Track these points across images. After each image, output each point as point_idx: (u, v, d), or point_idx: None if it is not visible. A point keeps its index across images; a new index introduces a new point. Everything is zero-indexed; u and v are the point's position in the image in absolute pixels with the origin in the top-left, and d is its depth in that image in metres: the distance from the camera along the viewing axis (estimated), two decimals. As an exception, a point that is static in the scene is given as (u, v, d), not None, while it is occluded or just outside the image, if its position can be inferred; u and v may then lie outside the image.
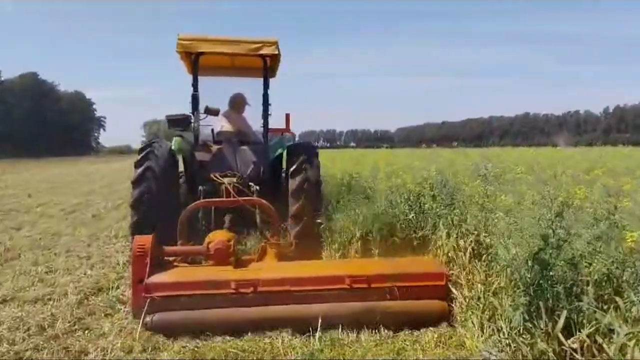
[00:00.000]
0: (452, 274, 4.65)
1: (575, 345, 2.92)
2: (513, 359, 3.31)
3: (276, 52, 6.66)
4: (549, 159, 11.61)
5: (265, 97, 7.20)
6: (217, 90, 7.60)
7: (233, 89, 7.92)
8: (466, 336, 4.02)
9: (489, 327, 3.64)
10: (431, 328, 4.41)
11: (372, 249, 6.03)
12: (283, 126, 7.94)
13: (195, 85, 7.03)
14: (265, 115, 7.22)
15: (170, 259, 5.12)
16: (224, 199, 6.07)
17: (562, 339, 2.97)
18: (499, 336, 3.48)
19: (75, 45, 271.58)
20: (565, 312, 2.96)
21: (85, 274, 6.38)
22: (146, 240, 4.68)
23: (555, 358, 3.03)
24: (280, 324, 4.38)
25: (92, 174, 30.93)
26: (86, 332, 4.46)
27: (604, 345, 2.78)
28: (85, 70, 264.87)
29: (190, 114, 6.95)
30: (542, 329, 3.07)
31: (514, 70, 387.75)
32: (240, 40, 6.69)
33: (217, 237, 5.28)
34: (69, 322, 4.62)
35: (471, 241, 4.47)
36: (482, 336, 3.70)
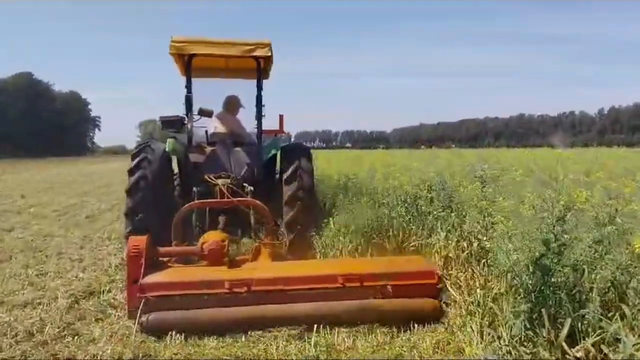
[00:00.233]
0: (450, 275, 4.58)
1: (579, 355, 2.84)
2: (514, 368, 3.22)
3: (269, 54, 6.69)
4: (545, 160, 11.54)
5: (259, 98, 7.24)
6: (210, 92, 7.61)
7: (226, 90, 7.97)
8: (465, 342, 3.92)
9: (489, 333, 3.54)
10: (429, 333, 4.32)
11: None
12: (277, 127, 8.00)
13: (188, 86, 7.06)
14: (259, 116, 7.25)
15: (165, 259, 5.11)
16: (219, 199, 6.07)
17: (566, 347, 2.88)
18: (499, 343, 3.38)
19: (69, 45, 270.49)
20: (569, 320, 2.87)
21: (76, 277, 6.25)
22: (141, 240, 4.69)
23: (558, 367, 2.94)
24: (274, 323, 4.38)
25: (87, 174, 30.77)
26: (76, 337, 4.32)
27: (610, 356, 2.69)
28: (79, 70, 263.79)
29: (184, 116, 6.97)
30: (544, 337, 2.98)
31: (509, 71, 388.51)
32: (233, 42, 6.70)
33: (211, 238, 5.28)
34: (59, 327, 4.49)
35: (468, 244, 4.38)
36: (481, 343, 3.60)
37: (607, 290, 3.08)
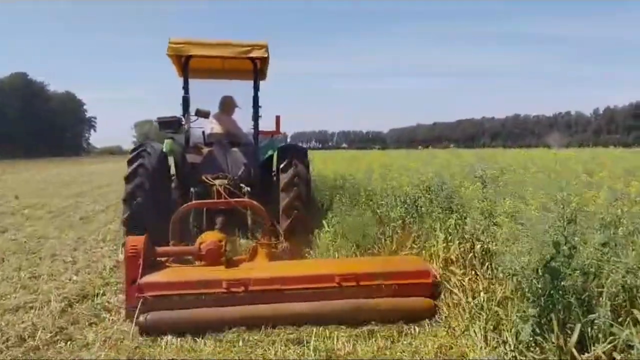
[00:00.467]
0: (451, 277, 4.50)
1: (590, 361, 2.74)
2: (521, 374, 3.12)
3: (266, 55, 6.78)
4: (543, 160, 11.46)
5: (256, 99, 7.35)
6: (207, 93, 7.64)
7: (223, 91, 8.01)
8: (467, 346, 3.83)
9: (494, 338, 3.44)
10: (431, 337, 4.22)
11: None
12: (273, 128, 8.01)
13: (186, 87, 7.13)
14: (256, 117, 7.32)
15: (163, 259, 5.14)
16: (216, 200, 6.10)
17: (575, 354, 2.79)
18: (505, 348, 3.29)
19: (63, 45, 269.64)
20: (579, 325, 2.77)
21: (70, 279, 6.13)
22: (139, 240, 4.70)
23: (568, 374, 2.85)
24: (271, 322, 4.39)
25: (82, 175, 30.56)
26: (69, 343, 4.22)
27: (623, 363, 2.60)
28: (74, 71, 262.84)
29: (181, 117, 7.05)
30: (553, 343, 2.88)
31: (505, 71, 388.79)
32: (230, 44, 6.77)
33: (209, 238, 5.33)
34: (51, 332, 4.37)
35: (471, 246, 4.29)
36: (485, 348, 3.51)
37: (617, 294, 2.98)
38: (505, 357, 3.26)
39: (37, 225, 10.45)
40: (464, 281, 4.22)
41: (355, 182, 8.93)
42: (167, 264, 5.12)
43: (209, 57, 7.03)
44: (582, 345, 2.85)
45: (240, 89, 7.81)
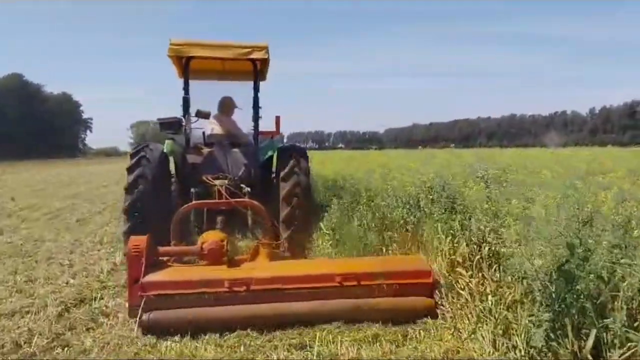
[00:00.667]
0: (457, 279, 4.41)
1: (606, 368, 2.65)
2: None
3: (266, 57, 6.79)
4: (544, 160, 11.39)
5: (256, 100, 7.31)
6: (208, 94, 7.68)
7: (224, 92, 8.01)
8: (475, 350, 3.74)
9: (503, 343, 3.34)
10: (436, 341, 4.12)
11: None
12: (273, 128, 8.01)
13: (186, 88, 7.12)
14: (256, 118, 7.34)
15: (164, 258, 5.16)
16: (217, 200, 6.13)
17: (591, 360, 2.69)
18: (515, 353, 3.20)
19: (58, 46, 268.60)
20: (594, 331, 2.68)
21: (67, 283, 6.03)
22: (141, 240, 4.72)
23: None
24: (272, 321, 4.42)
25: (78, 177, 30.39)
26: (66, 349, 4.11)
27: (641, 370, 2.51)
28: (70, 72, 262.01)
29: (182, 117, 7.03)
30: (567, 349, 2.78)
31: (501, 71, 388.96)
32: (230, 45, 6.79)
33: (211, 238, 5.35)
34: (47, 338, 4.27)
35: (477, 248, 4.20)
36: (494, 353, 3.41)
37: (632, 298, 2.89)
38: (516, 362, 3.17)
39: (33, 227, 10.35)
40: (470, 283, 4.12)
41: (354, 182, 8.84)
42: (168, 263, 5.14)
43: (210, 58, 7.06)
44: (597, 351, 2.77)
45: (239, 90, 7.83)
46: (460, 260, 4.45)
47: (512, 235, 3.35)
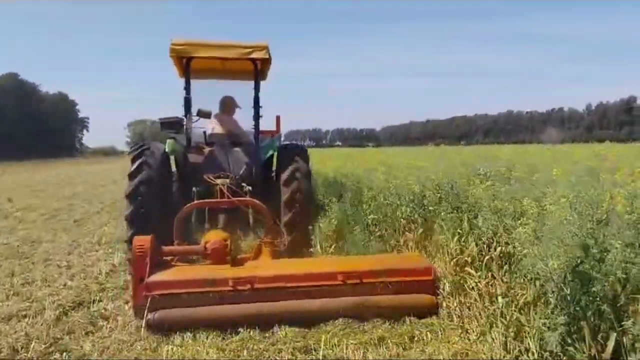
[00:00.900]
0: (466, 280, 4.33)
1: (628, 373, 2.55)
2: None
3: (267, 56, 6.81)
4: (545, 157, 11.25)
5: (256, 99, 7.33)
6: (209, 93, 7.71)
7: (224, 91, 8.04)
8: (484, 353, 3.65)
9: (516, 347, 3.25)
10: (444, 343, 4.03)
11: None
12: (273, 127, 8.16)
13: (187, 88, 7.16)
14: (257, 117, 7.34)
15: (168, 258, 5.23)
16: (219, 199, 6.15)
17: (611, 365, 2.59)
18: (527, 357, 3.10)
19: (53, 45, 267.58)
20: (614, 335, 2.58)
21: (64, 285, 5.92)
22: (145, 240, 4.78)
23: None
24: (277, 319, 4.44)
25: (76, 176, 30.23)
26: (64, 354, 4.00)
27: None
28: (65, 71, 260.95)
29: (183, 117, 7.06)
30: (584, 353, 2.69)
31: (498, 69, 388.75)
32: (231, 45, 6.84)
33: (214, 237, 5.39)
34: (45, 343, 4.15)
35: (487, 248, 4.10)
36: (506, 356, 3.32)
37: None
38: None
39: (31, 228, 10.22)
40: (480, 284, 4.03)
41: (355, 181, 8.72)
42: (172, 263, 5.21)
43: (211, 58, 7.09)
44: (616, 355, 2.67)
45: (240, 89, 7.83)
46: (469, 260, 4.36)
47: (524, 235, 3.24)
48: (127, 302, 5.21)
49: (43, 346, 4.10)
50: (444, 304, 4.58)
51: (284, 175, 6.56)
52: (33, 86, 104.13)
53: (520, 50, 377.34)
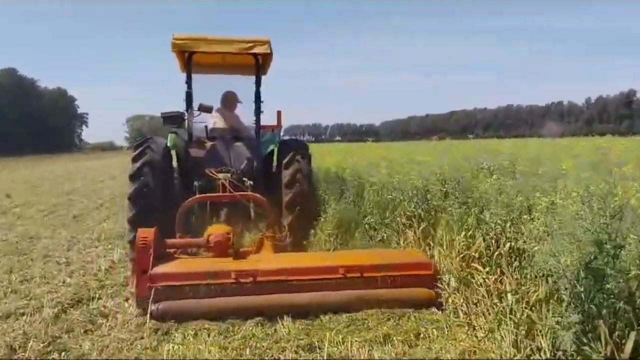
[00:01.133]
0: (473, 276, 4.25)
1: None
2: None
3: (268, 51, 6.85)
4: (547, 152, 11.15)
5: (257, 94, 7.40)
6: (210, 88, 7.74)
7: (226, 86, 8.07)
8: (493, 351, 3.56)
9: (527, 345, 3.15)
10: (451, 341, 3.95)
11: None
12: (274, 122, 8.09)
13: (189, 83, 7.25)
14: (258, 112, 7.42)
15: (171, 251, 5.31)
16: (221, 193, 6.23)
17: (629, 365, 2.50)
18: (540, 356, 3.01)
19: (52, 40, 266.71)
20: (634, 334, 2.48)
21: (63, 282, 5.85)
22: (149, 232, 4.86)
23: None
24: (278, 311, 4.49)
25: (75, 172, 30.14)
26: (63, 353, 3.90)
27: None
28: (64, 66, 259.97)
29: (184, 111, 7.15)
30: (600, 353, 2.60)
31: (498, 64, 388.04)
32: (233, 40, 6.89)
33: (217, 230, 5.49)
34: (43, 342, 4.05)
35: (496, 243, 4.01)
36: (516, 355, 3.23)
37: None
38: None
39: (29, 224, 10.17)
40: (488, 280, 3.93)
41: (357, 176, 8.62)
42: (175, 255, 5.27)
43: (213, 53, 7.11)
44: (635, 354, 2.57)
45: (241, 84, 7.89)
46: (477, 256, 4.26)
47: (535, 230, 3.15)
48: (127, 300, 5.14)
49: (41, 345, 4.00)
50: (450, 300, 4.50)
51: (285, 178, 6.59)
52: (32, 81, 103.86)
53: (519, 44, 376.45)
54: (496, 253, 4.03)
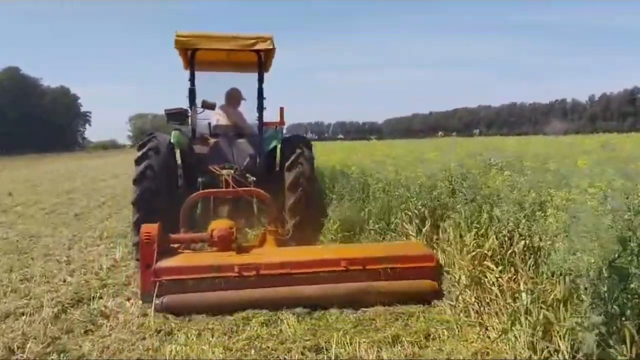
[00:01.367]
0: (484, 274, 4.13)
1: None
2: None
3: (271, 47, 6.87)
4: (554, 148, 11.00)
5: (260, 91, 7.42)
6: (213, 85, 7.81)
7: (229, 83, 8.11)
8: (507, 352, 3.44)
9: (545, 347, 3.02)
10: (462, 342, 3.83)
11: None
12: (277, 119, 8.10)
13: (192, 80, 7.25)
14: (260, 108, 7.42)
15: (175, 246, 5.36)
16: (225, 189, 6.31)
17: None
18: (558, 357, 2.89)
19: (54, 38, 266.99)
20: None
21: (64, 281, 5.74)
22: (153, 228, 4.92)
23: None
24: (281, 304, 4.51)
25: (77, 171, 30.07)
26: (62, 354, 3.79)
27: None
28: (67, 65, 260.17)
29: (188, 108, 7.16)
30: (625, 356, 2.47)
31: (500, 61, 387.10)
32: (235, 36, 6.91)
33: (220, 225, 5.51)
34: (42, 342, 3.94)
35: (509, 240, 3.88)
36: (533, 357, 3.10)
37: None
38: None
39: (31, 222, 10.07)
40: (501, 279, 3.81)
41: (362, 174, 8.50)
42: (179, 250, 5.33)
43: (215, 50, 7.12)
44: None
45: (244, 81, 7.91)
46: (489, 254, 4.13)
47: (551, 227, 3.03)
48: (128, 299, 5.04)
49: (40, 346, 3.88)
50: (460, 298, 4.38)
51: (287, 162, 6.67)
52: (34, 80, 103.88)
53: (522, 41, 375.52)
54: (509, 251, 3.90)
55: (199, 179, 6.56)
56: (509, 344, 3.45)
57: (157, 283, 4.63)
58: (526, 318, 3.28)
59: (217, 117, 7.73)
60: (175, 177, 7.08)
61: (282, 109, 8.10)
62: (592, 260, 2.58)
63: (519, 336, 3.28)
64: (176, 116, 6.99)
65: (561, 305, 3.05)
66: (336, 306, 4.57)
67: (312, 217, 6.63)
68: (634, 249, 2.57)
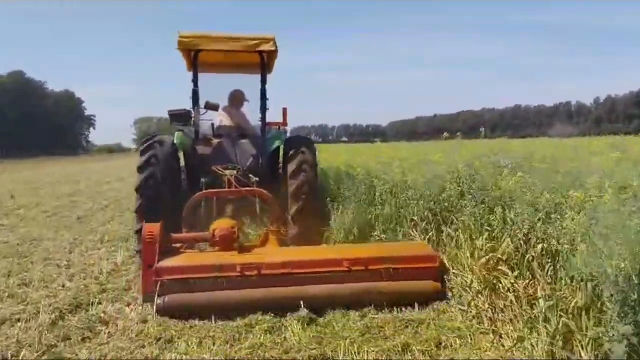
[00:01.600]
0: (498, 280, 3.96)
1: None
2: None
3: (273, 48, 6.87)
4: (560, 150, 10.83)
5: (263, 92, 7.39)
6: (216, 86, 7.77)
7: (232, 84, 8.09)
8: (523, 361, 3.27)
9: (565, 356, 2.85)
10: (475, 350, 3.66)
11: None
12: (280, 120, 8.19)
13: (195, 81, 7.24)
14: (263, 109, 7.40)
15: (177, 245, 5.36)
16: (228, 189, 6.31)
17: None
18: (581, 368, 2.71)
19: (59, 40, 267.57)
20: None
21: (63, 286, 5.59)
22: (155, 227, 4.92)
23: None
24: (282, 304, 4.48)
25: (80, 174, 29.99)
26: (57, 363, 3.65)
27: None
28: (72, 68, 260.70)
29: (191, 109, 7.17)
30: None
31: (500, 61, 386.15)
32: (238, 37, 6.92)
33: (222, 225, 5.50)
34: (37, 351, 3.80)
35: (524, 244, 3.71)
36: (554, 366, 2.93)
37: None
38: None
39: (32, 225, 9.92)
40: (516, 284, 3.63)
41: (368, 176, 8.34)
42: (181, 250, 5.33)
43: (218, 51, 7.11)
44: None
45: (246, 82, 7.89)
46: (504, 258, 3.96)
47: (570, 229, 2.86)
48: (128, 304, 4.89)
49: (35, 354, 3.76)
50: (472, 304, 4.21)
51: (291, 168, 6.62)
52: (39, 84, 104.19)
53: (523, 41, 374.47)
54: (527, 255, 3.72)
55: (202, 180, 6.55)
56: (525, 353, 3.28)
57: (159, 282, 4.62)
58: (544, 326, 3.10)
59: (220, 118, 7.72)
60: (178, 180, 7.07)
61: (285, 110, 8.18)
62: (622, 265, 2.40)
63: (536, 344, 3.11)
64: (180, 117, 7.01)
65: (583, 313, 2.88)
66: (338, 307, 4.52)
67: (314, 207, 6.59)
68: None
